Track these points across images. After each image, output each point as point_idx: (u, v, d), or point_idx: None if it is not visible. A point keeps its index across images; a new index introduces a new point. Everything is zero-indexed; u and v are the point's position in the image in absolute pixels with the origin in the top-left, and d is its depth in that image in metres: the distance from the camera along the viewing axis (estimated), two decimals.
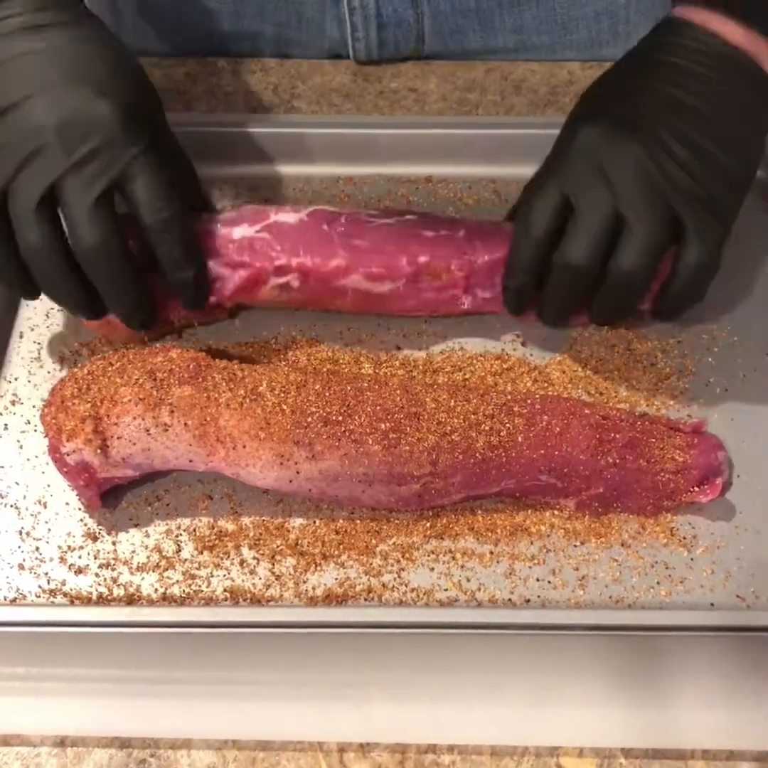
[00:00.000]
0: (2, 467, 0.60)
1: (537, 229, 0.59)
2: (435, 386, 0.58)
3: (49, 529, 0.57)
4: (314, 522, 0.58)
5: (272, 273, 0.62)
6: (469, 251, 0.63)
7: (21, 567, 0.56)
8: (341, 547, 0.57)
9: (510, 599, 0.55)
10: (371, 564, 0.56)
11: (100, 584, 0.56)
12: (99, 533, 0.57)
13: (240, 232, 0.63)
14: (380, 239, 0.63)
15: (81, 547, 0.57)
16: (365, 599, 0.55)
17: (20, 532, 0.57)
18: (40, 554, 0.57)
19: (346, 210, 0.65)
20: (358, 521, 0.58)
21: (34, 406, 0.62)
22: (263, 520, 0.58)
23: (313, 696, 0.53)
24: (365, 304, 0.64)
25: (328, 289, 0.63)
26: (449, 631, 0.52)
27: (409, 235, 0.63)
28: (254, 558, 0.56)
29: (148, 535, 0.57)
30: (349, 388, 0.57)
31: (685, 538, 0.57)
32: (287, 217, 0.63)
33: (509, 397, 0.58)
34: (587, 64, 0.82)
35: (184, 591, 0.55)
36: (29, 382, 0.63)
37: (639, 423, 0.58)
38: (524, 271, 0.60)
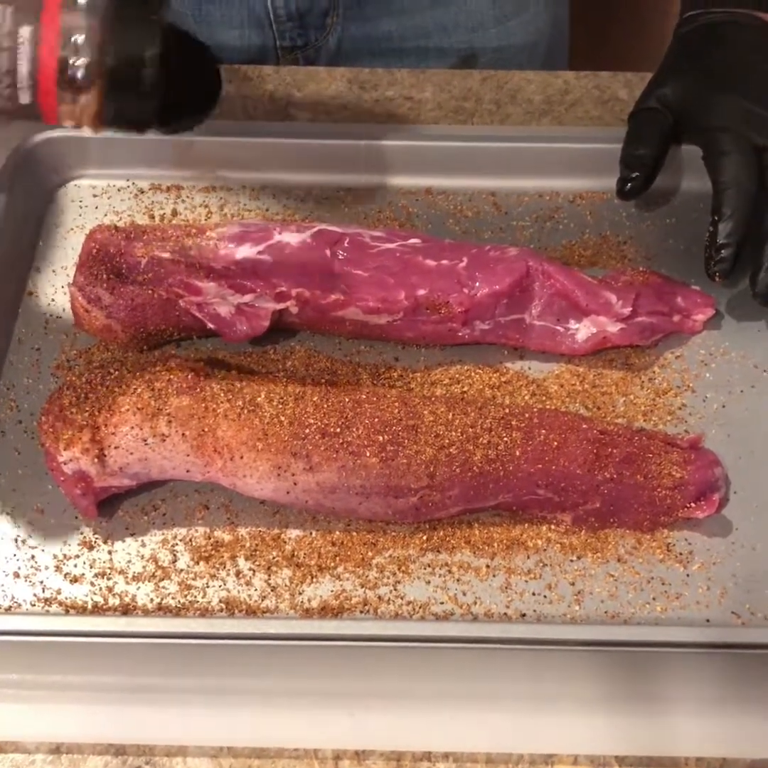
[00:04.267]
0: None
1: (750, 179, 0.62)
2: (433, 399, 0.58)
3: (45, 538, 0.57)
4: (311, 533, 0.58)
5: (272, 299, 0.62)
6: (470, 284, 0.63)
7: (16, 575, 0.56)
8: (337, 559, 0.57)
9: (506, 613, 0.55)
10: (367, 576, 0.56)
11: (95, 593, 0.55)
12: (95, 542, 0.57)
13: (243, 252, 0.63)
14: (380, 269, 0.63)
15: (77, 556, 0.57)
16: (361, 612, 0.55)
17: (16, 540, 0.57)
18: (36, 562, 0.56)
19: (351, 230, 0.65)
20: (355, 533, 0.58)
21: (31, 414, 0.62)
22: (260, 531, 0.58)
23: (309, 703, 0.53)
24: (363, 333, 0.65)
25: (325, 318, 0.63)
26: (445, 645, 0.52)
27: (410, 265, 0.63)
28: (250, 569, 0.56)
29: (144, 545, 0.57)
30: (347, 400, 0.57)
31: (681, 554, 0.57)
32: (291, 237, 0.63)
33: (507, 410, 0.58)
34: (582, 73, 0.83)
35: (179, 601, 0.55)
36: (27, 389, 0.63)
37: (636, 438, 0.58)
38: (742, 229, 0.62)
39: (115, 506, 0.58)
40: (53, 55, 0.47)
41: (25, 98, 0.48)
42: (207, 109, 0.55)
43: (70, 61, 0.48)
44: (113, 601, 0.55)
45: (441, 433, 0.56)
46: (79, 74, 0.48)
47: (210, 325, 0.63)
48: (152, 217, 0.71)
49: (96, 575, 0.56)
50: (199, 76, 0.55)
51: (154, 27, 0.50)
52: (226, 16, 0.86)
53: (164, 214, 0.71)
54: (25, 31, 0.47)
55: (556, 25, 0.93)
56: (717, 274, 0.62)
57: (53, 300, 0.67)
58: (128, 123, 0.52)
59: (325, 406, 0.57)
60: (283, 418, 0.56)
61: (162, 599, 0.55)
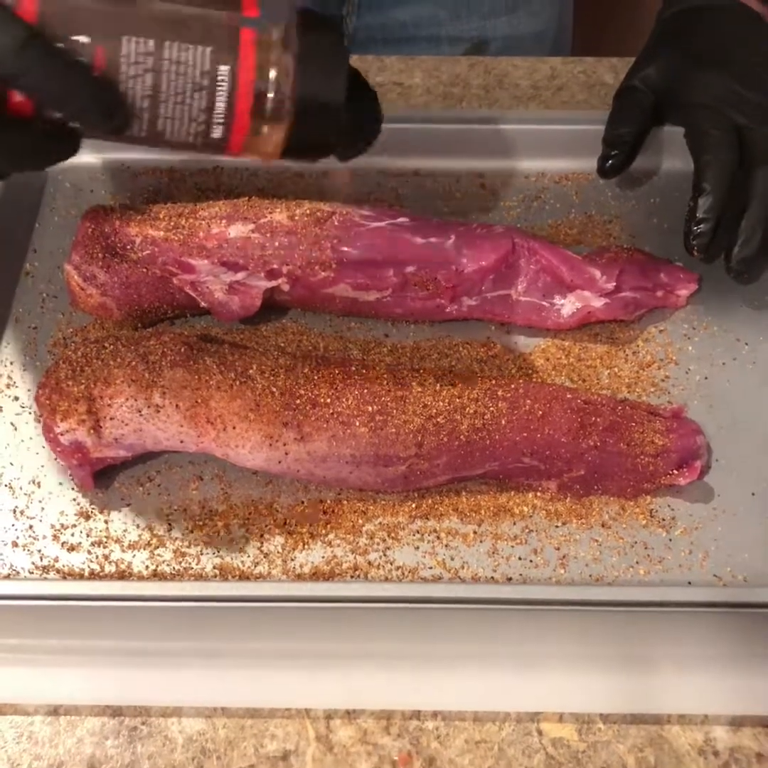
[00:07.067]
0: None
1: (731, 155, 0.63)
2: (421, 370, 0.60)
3: (43, 508, 0.59)
4: (302, 502, 0.59)
5: (263, 277, 0.64)
6: (457, 261, 0.64)
7: (15, 544, 0.57)
8: (328, 526, 0.58)
9: (492, 577, 0.56)
10: (358, 543, 0.57)
11: (92, 561, 0.57)
12: (91, 512, 0.59)
13: (235, 230, 0.64)
14: (370, 247, 0.64)
15: (74, 526, 0.58)
16: (351, 577, 0.56)
17: (14, 511, 0.59)
18: (34, 532, 0.58)
19: (340, 208, 0.66)
20: (345, 502, 0.59)
21: (28, 390, 0.63)
22: (252, 500, 0.59)
23: (301, 665, 0.54)
24: (353, 309, 0.66)
25: (316, 295, 0.65)
26: (434, 606, 0.53)
27: (399, 243, 0.64)
28: (243, 536, 0.58)
29: (139, 514, 0.59)
30: (337, 371, 0.58)
31: (664, 519, 0.59)
32: (281, 216, 0.65)
33: (493, 382, 0.60)
34: (569, 58, 0.84)
35: (174, 568, 0.56)
36: (24, 366, 0.64)
37: (620, 407, 0.59)
38: (721, 204, 0.62)
39: (111, 477, 0.60)
40: (250, 91, 0.49)
41: (217, 133, 0.50)
42: (373, 135, 0.57)
43: (267, 96, 0.49)
44: (109, 569, 0.56)
45: (429, 403, 0.58)
46: (273, 108, 0.49)
47: (203, 304, 0.64)
48: (147, 199, 0.72)
49: (93, 544, 0.57)
50: (365, 104, 0.56)
51: (341, 60, 0.51)
52: None
53: (159, 196, 0.73)
54: (223, 70, 0.48)
55: (562, 13, 0.95)
56: (695, 247, 0.63)
57: (50, 280, 0.68)
58: (310, 152, 0.54)
59: (316, 377, 0.58)
60: (274, 389, 0.57)
61: (157, 566, 0.57)
